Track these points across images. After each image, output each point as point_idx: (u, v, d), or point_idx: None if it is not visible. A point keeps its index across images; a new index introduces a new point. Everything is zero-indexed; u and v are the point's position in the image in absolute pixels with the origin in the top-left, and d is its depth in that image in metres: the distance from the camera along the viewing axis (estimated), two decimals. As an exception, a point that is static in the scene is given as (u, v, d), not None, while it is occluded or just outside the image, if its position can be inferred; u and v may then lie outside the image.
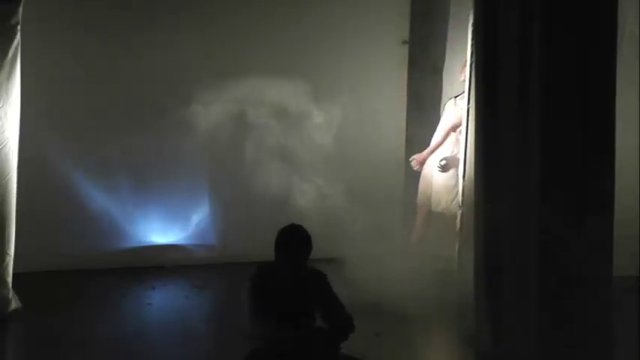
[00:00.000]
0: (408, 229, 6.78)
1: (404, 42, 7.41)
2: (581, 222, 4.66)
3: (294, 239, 4.16)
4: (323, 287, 4.23)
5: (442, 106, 6.92)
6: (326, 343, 4.14)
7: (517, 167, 4.85)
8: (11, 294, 5.56)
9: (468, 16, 5.34)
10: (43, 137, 6.45)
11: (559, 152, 4.70)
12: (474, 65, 5.26)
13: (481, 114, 5.07)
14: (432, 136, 6.88)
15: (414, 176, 6.89)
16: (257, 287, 4.17)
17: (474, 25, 5.25)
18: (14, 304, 5.58)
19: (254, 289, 4.16)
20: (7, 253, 5.50)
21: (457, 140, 6.35)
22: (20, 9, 5.39)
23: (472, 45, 5.32)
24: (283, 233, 4.18)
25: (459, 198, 5.70)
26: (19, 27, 5.40)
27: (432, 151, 6.63)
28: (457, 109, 6.42)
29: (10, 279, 5.54)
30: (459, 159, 5.90)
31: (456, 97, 6.56)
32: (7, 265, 5.52)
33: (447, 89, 6.95)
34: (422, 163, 6.65)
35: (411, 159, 6.70)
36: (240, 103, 6.78)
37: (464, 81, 6.11)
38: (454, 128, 6.45)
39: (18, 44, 5.41)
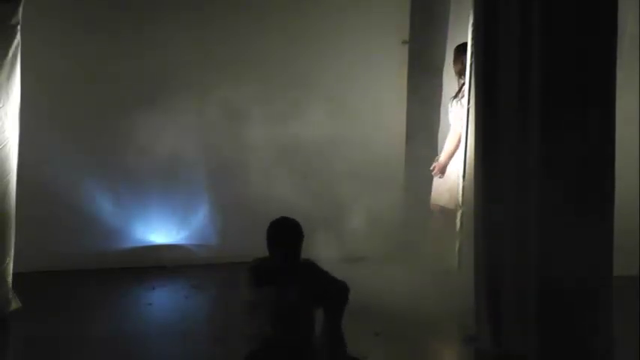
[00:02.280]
0: (407, 229, 6.76)
1: (404, 42, 7.40)
2: (581, 222, 4.66)
3: (286, 230, 4.22)
4: (315, 272, 4.31)
5: (448, 105, 6.84)
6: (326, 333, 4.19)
7: (517, 167, 4.85)
8: (11, 294, 5.56)
9: (468, 16, 5.35)
10: (43, 137, 6.44)
11: (559, 152, 4.70)
12: (473, 65, 5.26)
13: (481, 114, 5.07)
14: (433, 136, 6.88)
15: (415, 177, 6.88)
16: (257, 277, 4.23)
17: (474, 25, 5.25)
18: (14, 304, 5.58)
19: (256, 280, 4.22)
20: (7, 254, 5.50)
21: None
22: (20, 9, 5.38)
23: (472, 45, 5.33)
24: (274, 226, 4.25)
25: (459, 197, 5.71)
26: (19, 27, 5.39)
27: (451, 156, 6.31)
28: (464, 110, 6.37)
29: (10, 279, 5.54)
30: None
31: (460, 98, 6.48)
32: (7, 265, 5.52)
33: (447, 89, 6.94)
34: (442, 170, 6.36)
35: (431, 168, 6.47)
36: (240, 102, 6.78)
37: (462, 83, 6.12)
38: None
39: (18, 44, 5.40)
